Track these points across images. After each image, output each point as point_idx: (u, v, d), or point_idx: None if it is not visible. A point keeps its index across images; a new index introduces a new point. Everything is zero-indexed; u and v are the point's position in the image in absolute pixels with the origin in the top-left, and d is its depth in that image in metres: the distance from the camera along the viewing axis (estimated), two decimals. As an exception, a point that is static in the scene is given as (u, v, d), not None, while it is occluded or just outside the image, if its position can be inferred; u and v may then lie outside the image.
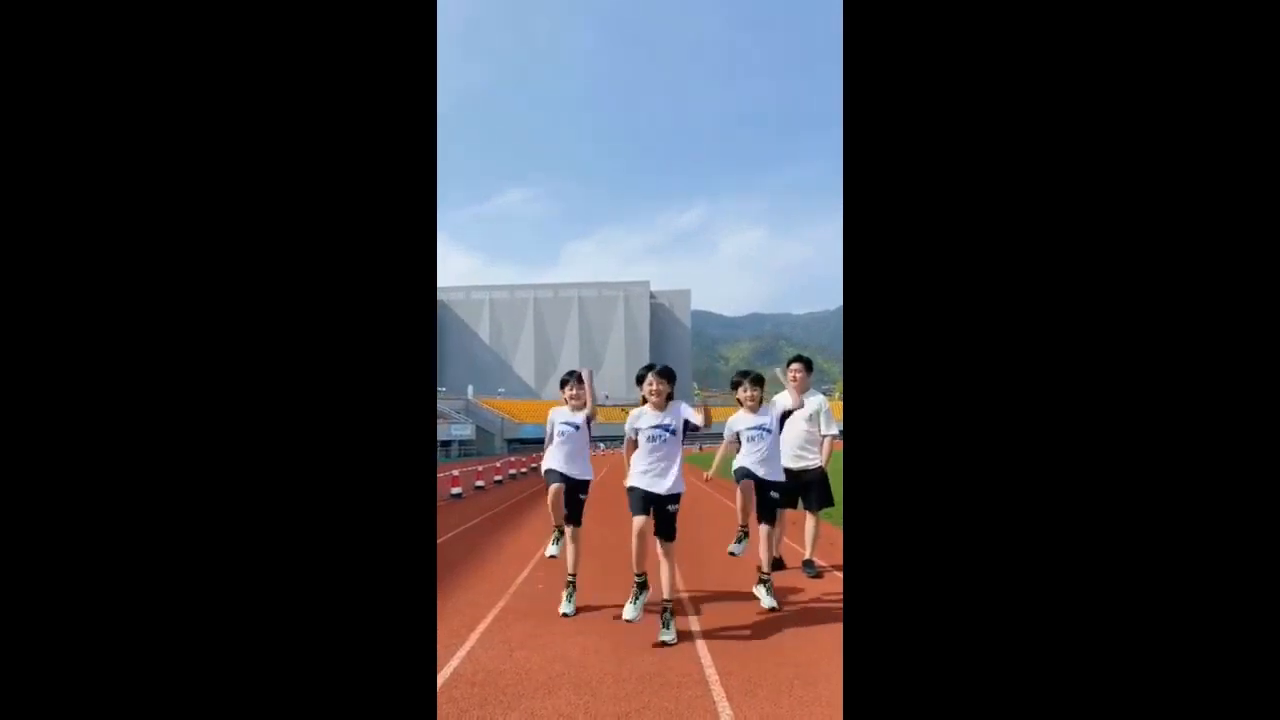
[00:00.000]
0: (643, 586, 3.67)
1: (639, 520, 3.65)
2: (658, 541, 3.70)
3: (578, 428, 4.23)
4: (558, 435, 4.25)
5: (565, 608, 4.04)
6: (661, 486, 3.67)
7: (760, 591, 4.09)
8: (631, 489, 3.74)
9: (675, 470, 3.71)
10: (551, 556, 4.26)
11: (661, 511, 3.69)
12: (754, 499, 4.12)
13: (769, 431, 4.16)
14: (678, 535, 3.75)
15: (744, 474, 4.14)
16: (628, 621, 3.55)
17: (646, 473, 3.71)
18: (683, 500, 3.81)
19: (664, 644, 3.40)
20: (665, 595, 3.62)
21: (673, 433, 3.72)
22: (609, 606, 4.12)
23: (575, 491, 4.18)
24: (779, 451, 4.27)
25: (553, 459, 4.24)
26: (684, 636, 3.54)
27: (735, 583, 4.75)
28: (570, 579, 4.13)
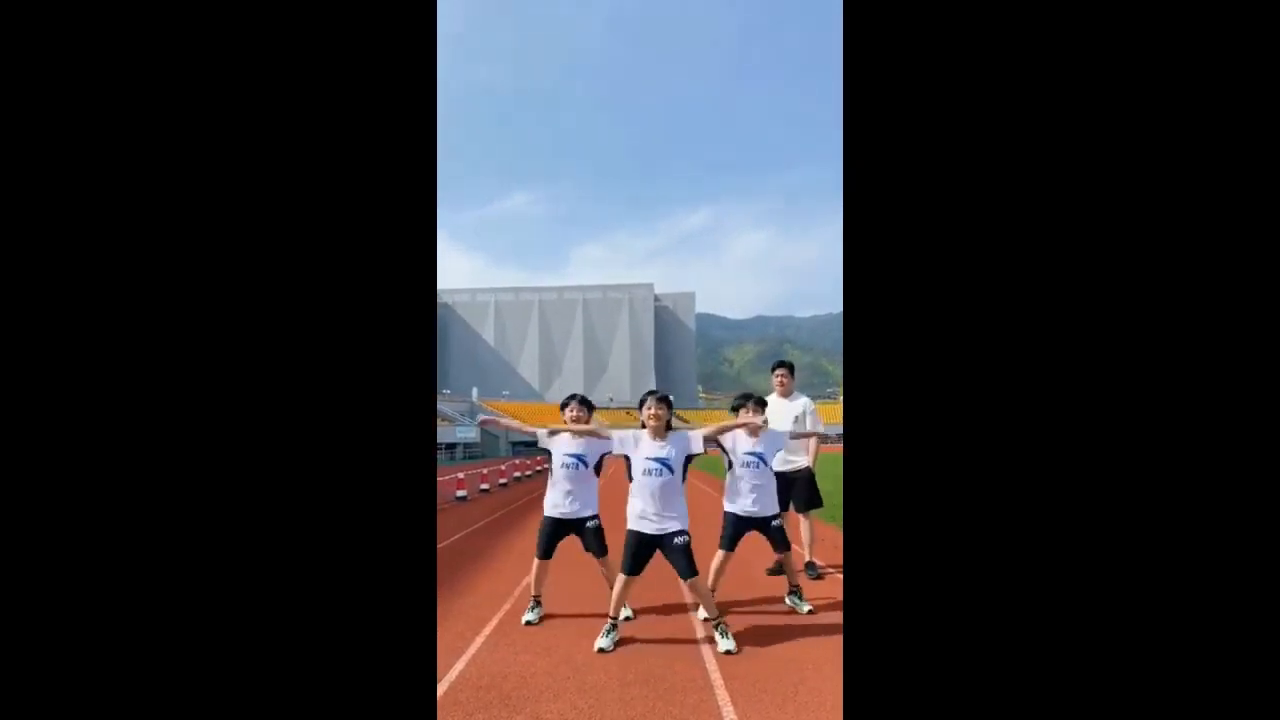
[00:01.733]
0: (615, 627, 3.54)
1: (627, 577, 3.54)
2: (682, 582, 3.54)
3: (584, 462, 3.96)
4: (560, 468, 3.97)
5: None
6: (664, 527, 3.51)
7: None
8: (629, 534, 3.58)
9: (676, 508, 3.55)
10: (528, 623, 3.91)
11: (670, 549, 3.51)
12: (730, 531, 4.01)
13: (765, 464, 4.02)
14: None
15: (736, 522, 4.01)
16: (599, 651, 3.39)
17: (644, 515, 3.55)
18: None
19: (728, 652, 3.33)
20: (706, 616, 3.58)
21: (671, 469, 3.55)
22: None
23: (583, 529, 3.97)
24: (774, 486, 4.14)
25: (553, 497, 3.99)
26: (688, 641, 3.54)
27: (738, 588, 4.73)
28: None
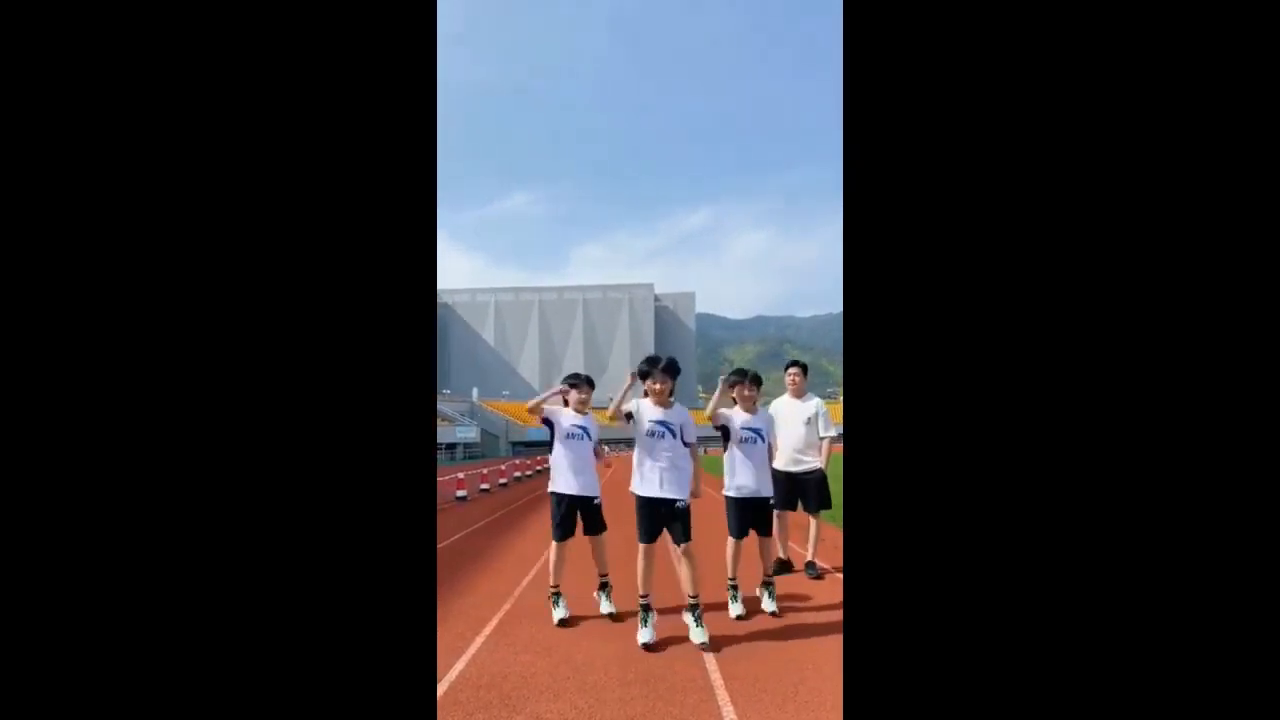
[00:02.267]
0: (649, 608, 3.57)
1: (645, 545, 3.58)
2: (672, 546, 3.59)
3: (588, 432, 4.07)
4: (567, 436, 4.03)
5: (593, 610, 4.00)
6: (668, 491, 3.54)
7: (730, 601, 4.04)
8: (638, 501, 3.61)
9: (679, 474, 3.59)
10: (561, 622, 3.89)
11: (672, 513, 3.56)
12: (736, 516, 4.07)
13: (763, 439, 4.09)
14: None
15: (739, 507, 4.06)
16: (644, 645, 3.40)
17: (650, 477, 3.58)
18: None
19: (703, 646, 3.36)
20: (690, 593, 3.55)
21: (673, 434, 3.60)
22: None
23: (589, 506, 4.05)
24: (767, 460, 4.20)
25: (562, 472, 4.01)
26: (688, 640, 3.53)
27: (741, 588, 4.73)
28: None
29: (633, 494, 3.70)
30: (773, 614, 3.99)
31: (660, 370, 3.67)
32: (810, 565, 5.13)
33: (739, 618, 3.94)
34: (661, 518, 3.60)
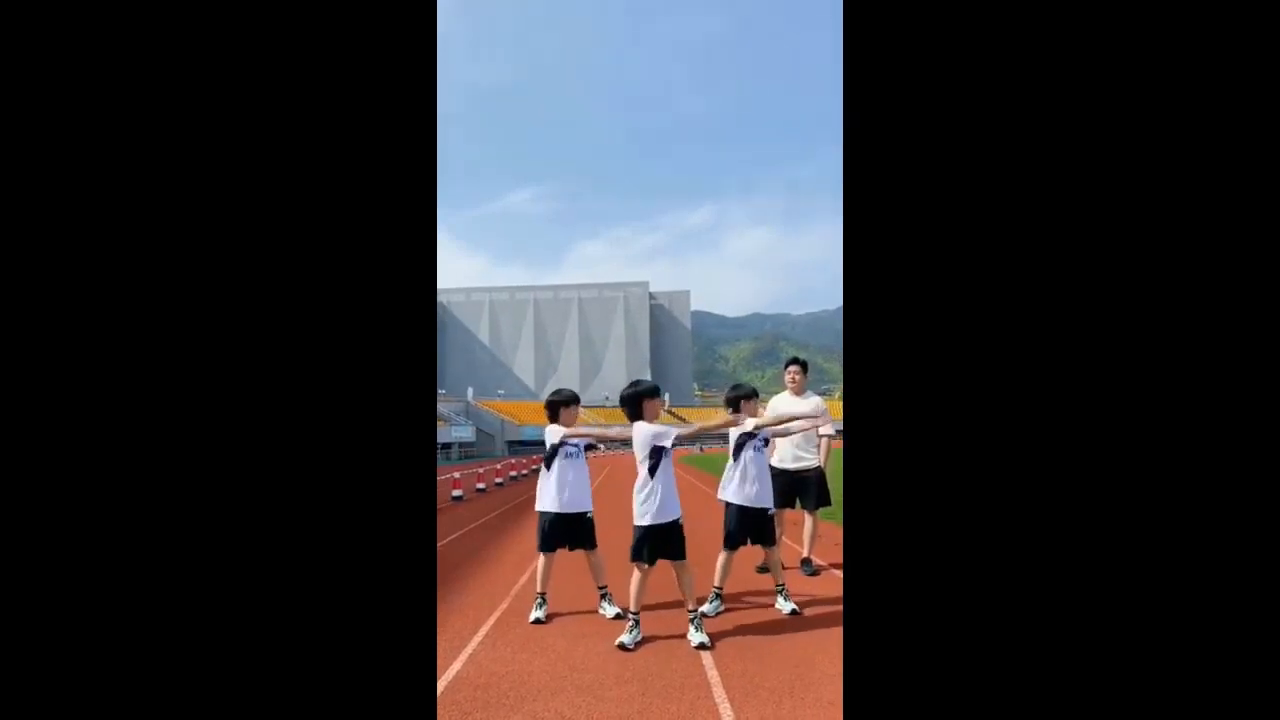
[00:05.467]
0: (638, 623, 3.56)
1: (644, 566, 3.56)
2: (671, 564, 3.57)
3: (582, 448, 4.10)
4: (562, 455, 4.04)
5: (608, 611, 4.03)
6: (658, 516, 3.53)
7: (706, 608, 4.00)
8: (635, 530, 3.61)
9: (652, 498, 3.55)
10: (536, 621, 3.94)
11: (665, 533, 3.54)
12: (736, 524, 4.02)
13: (764, 446, 4.09)
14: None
15: (739, 515, 4.02)
16: (620, 645, 3.41)
17: (643, 502, 3.57)
18: (682, 505, 3.67)
19: (700, 646, 3.38)
20: (690, 607, 3.56)
21: (641, 461, 3.60)
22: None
23: (576, 523, 4.02)
24: (758, 473, 4.08)
25: (543, 490, 4.03)
26: (685, 637, 3.54)
27: (736, 585, 4.74)
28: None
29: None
30: (793, 612, 4.00)
31: (623, 398, 3.69)
32: (806, 562, 5.15)
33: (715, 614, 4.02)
34: (660, 540, 3.57)
